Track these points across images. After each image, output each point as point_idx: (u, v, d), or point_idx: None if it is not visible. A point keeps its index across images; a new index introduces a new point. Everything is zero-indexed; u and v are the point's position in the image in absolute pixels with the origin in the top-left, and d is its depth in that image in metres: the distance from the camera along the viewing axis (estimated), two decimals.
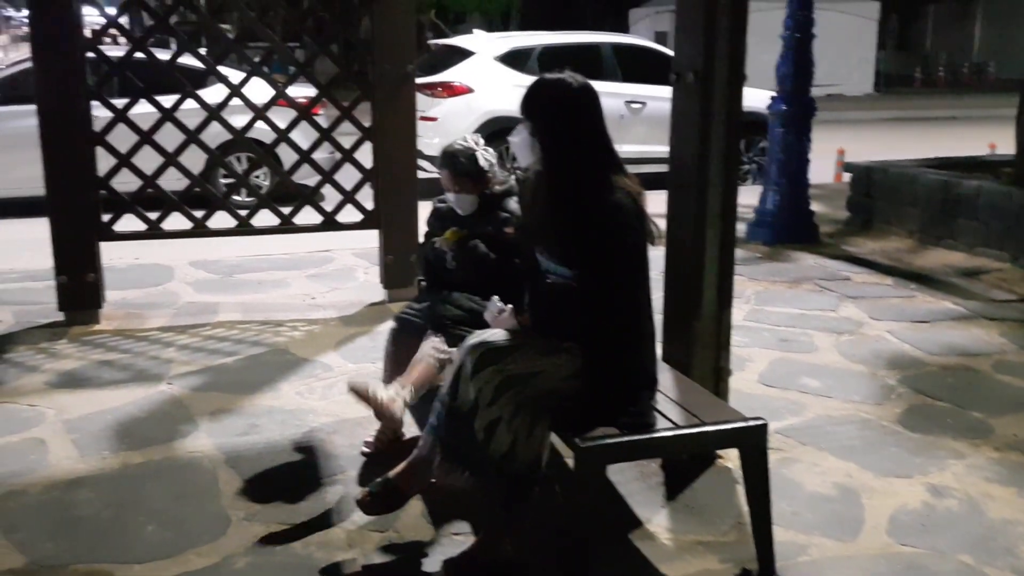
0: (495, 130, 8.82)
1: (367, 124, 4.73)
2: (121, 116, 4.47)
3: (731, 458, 3.01)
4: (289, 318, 4.65)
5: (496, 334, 2.50)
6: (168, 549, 2.55)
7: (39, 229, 7.02)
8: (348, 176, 4.84)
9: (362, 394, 2.79)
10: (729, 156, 2.93)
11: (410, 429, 3.19)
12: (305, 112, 4.72)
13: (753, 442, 2.42)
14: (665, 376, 2.71)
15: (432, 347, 2.93)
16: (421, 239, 3.49)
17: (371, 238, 5.00)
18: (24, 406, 3.56)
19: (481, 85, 8.79)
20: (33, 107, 8.04)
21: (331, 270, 5.66)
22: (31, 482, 2.95)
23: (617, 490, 2.86)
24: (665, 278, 3.09)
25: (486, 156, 3.07)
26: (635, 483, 2.92)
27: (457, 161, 3.04)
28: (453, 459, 2.51)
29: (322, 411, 3.52)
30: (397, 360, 3.12)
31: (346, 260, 5.86)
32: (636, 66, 9.41)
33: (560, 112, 2.45)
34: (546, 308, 2.53)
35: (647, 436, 2.38)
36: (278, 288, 5.26)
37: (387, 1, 4.57)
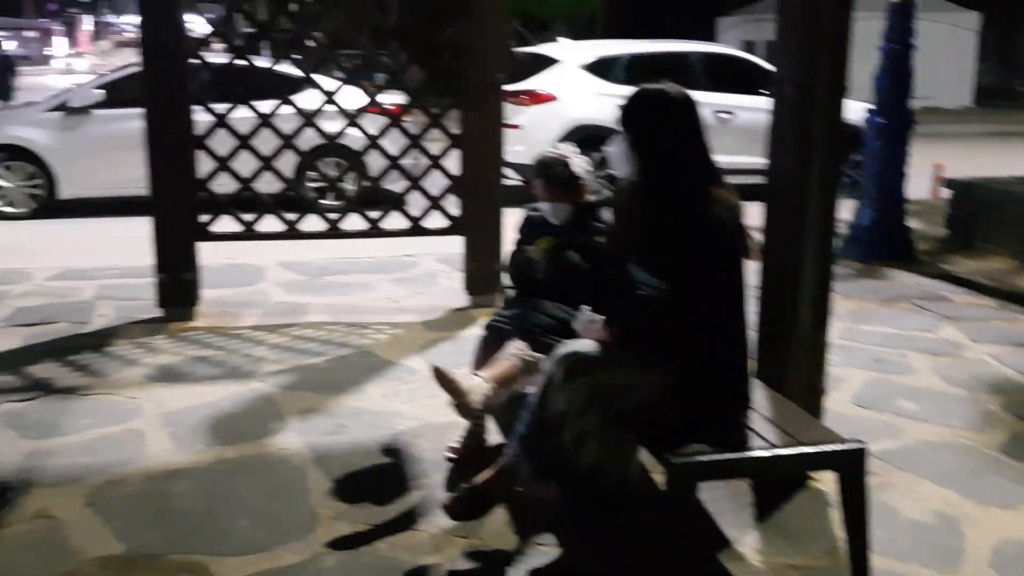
0: (580, 139, 8.81)
1: (453, 131, 4.78)
2: (221, 121, 4.61)
3: (824, 479, 2.92)
4: (375, 321, 4.72)
5: (587, 345, 2.48)
6: (260, 544, 2.61)
7: (137, 228, 7.28)
8: (434, 182, 4.90)
9: (444, 378, 2.77)
10: (830, 169, 2.86)
11: (494, 436, 3.20)
12: (396, 119, 4.79)
13: (852, 465, 2.34)
14: (758, 394, 2.64)
15: (516, 348, 2.92)
16: (508, 246, 3.50)
17: (454, 244, 5.05)
18: (124, 398, 3.70)
19: (566, 93, 8.79)
20: (137, 110, 8.40)
21: (415, 275, 5.73)
22: (130, 472, 3.06)
23: (706, 508, 2.81)
24: (760, 293, 3.03)
25: (581, 165, 3.06)
26: (724, 502, 2.85)
27: (552, 170, 3.04)
28: (540, 469, 2.50)
29: (407, 414, 3.55)
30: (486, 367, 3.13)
31: (429, 265, 5.92)
32: (725, 75, 9.28)
33: (659, 123, 2.43)
34: (637, 320, 2.51)
35: (742, 455, 2.33)
36: (364, 291, 5.35)
37: (478, 9, 4.60)
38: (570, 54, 9.22)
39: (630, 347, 2.46)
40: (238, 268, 5.73)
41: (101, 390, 3.78)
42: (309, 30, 5.17)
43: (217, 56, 5.11)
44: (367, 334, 4.52)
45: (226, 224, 4.77)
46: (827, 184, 2.85)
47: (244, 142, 4.67)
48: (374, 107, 4.85)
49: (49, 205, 8.40)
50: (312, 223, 4.92)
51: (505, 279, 4.59)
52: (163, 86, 4.48)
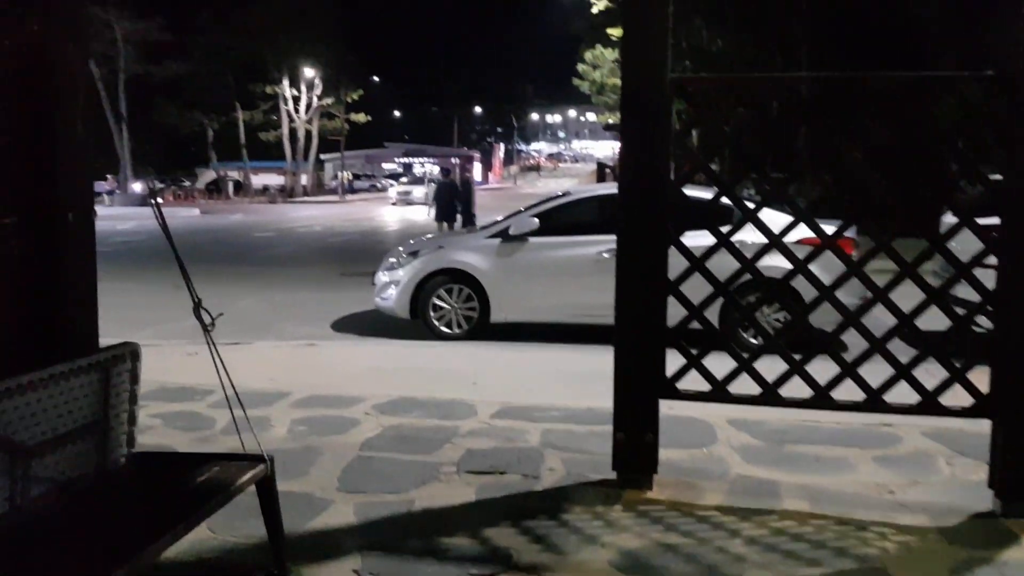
0: None
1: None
2: (698, 265, 4.08)
3: None
4: (870, 519, 3.75)
5: None
6: None
7: (566, 358, 7.04)
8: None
9: None
10: None
11: None
12: (908, 267, 3.90)
13: None
14: None
15: None
16: None
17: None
18: None
19: None
20: (569, 239, 8.43)
21: (902, 454, 4.64)
22: None
23: None
24: None
25: None
26: None
27: None
28: None
29: None
30: None
31: (916, 441, 4.80)
32: None
33: None
34: None
35: None
36: (841, 471, 4.40)
37: None
38: None
39: None
40: (683, 423, 5.11)
41: (564, 574, 3.27)
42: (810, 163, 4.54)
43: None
44: (868, 539, 3.56)
45: (694, 380, 4.16)
46: None
47: (723, 289, 4.08)
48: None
49: (481, 328, 8.67)
50: (791, 386, 4.14)
51: None
52: (639, 225, 4.07)
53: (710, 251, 4.09)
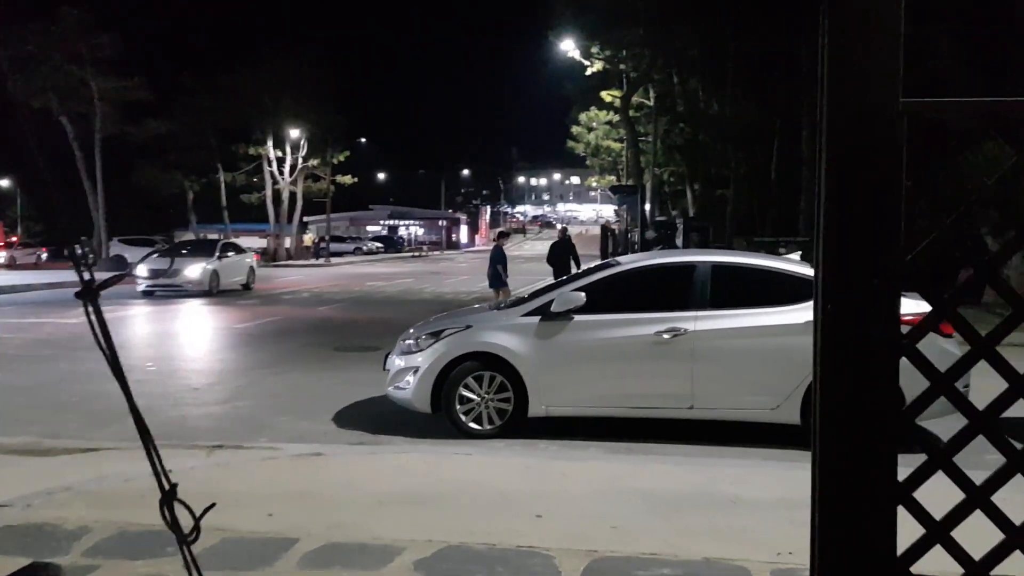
0: None
1: None
2: (946, 384, 2.68)
3: None
4: None
5: None
6: None
7: (636, 469, 5.35)
8: None
9: None
10: None
11: None
12: None
13: None
14: None
15: None
16: None
17: None
18: None
19: None
20: (623, 316, 7.04)
21: None
22: None
23: None
24: None
25: None
26: None
27: None
28: None
29: None
30: None
31: None
32: None
33: None
34: None
35: None
36: None
37: None
38: None
39: None
40: None
41: None
42: None
43: None
44: None
45: (937, 560, 2.73)
46: None
47: (985, 425, 2.67)
48: None
49: (516, 423, 7.23)
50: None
51: None
52: (855, 324, 2.67)
53: (964, 362, 2.69)
